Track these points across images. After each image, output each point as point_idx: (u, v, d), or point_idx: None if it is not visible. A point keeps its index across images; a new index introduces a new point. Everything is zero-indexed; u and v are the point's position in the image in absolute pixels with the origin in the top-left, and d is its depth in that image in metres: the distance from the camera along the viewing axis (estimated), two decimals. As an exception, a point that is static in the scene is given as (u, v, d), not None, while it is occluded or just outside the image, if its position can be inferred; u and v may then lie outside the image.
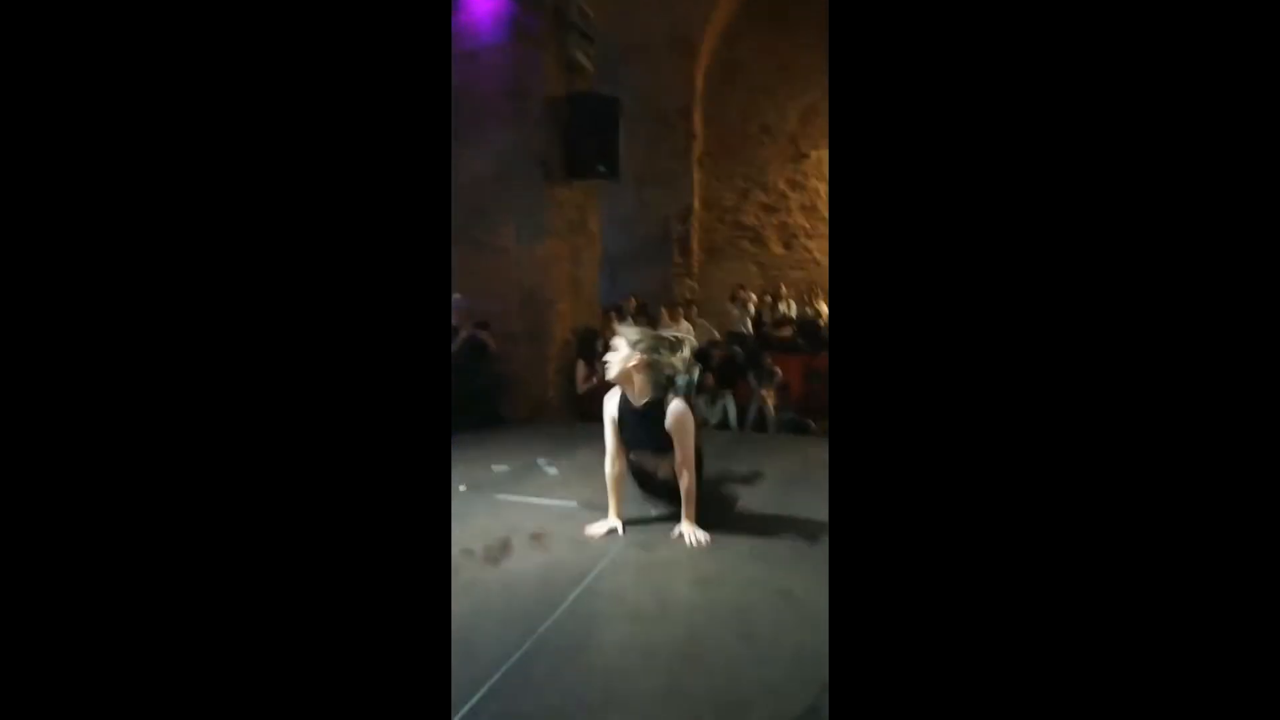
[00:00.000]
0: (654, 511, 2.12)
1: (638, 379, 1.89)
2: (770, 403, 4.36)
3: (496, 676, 1.21)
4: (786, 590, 1.56)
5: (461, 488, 2.42)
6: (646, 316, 4.91)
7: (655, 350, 1.89)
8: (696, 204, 6.94)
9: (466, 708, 1.11)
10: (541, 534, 1.96)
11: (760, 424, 4.31)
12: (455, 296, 3.64)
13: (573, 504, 2.25)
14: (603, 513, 2.05)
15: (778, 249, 7.37)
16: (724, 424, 4.22)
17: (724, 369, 4.53)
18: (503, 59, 3.82)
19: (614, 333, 2.06)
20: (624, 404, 1.95)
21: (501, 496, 2.36)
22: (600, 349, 3.98)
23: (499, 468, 2.74)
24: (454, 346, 3.64)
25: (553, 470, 2.73)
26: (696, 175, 6.96)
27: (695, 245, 7.04)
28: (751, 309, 5.86)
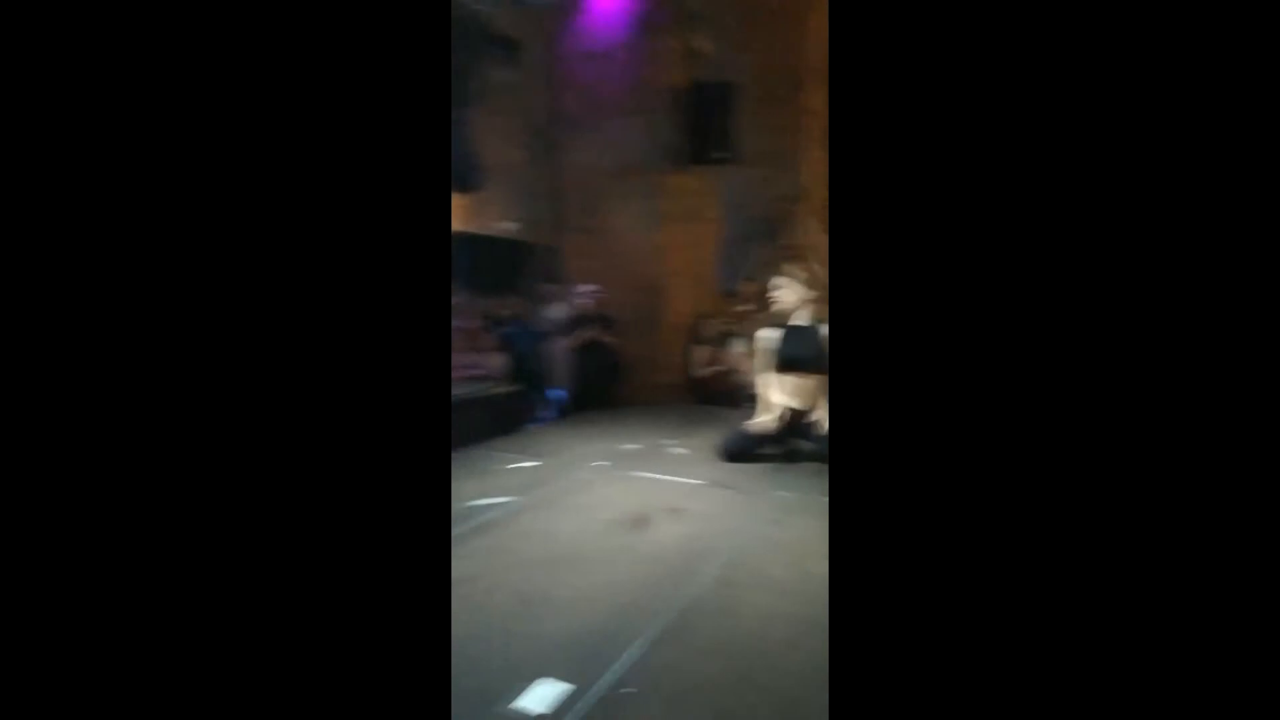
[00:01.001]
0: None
1: (805, 306, 2.73)
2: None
3: (659, 629, 1.34)
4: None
5: (598, 463, 2.62)
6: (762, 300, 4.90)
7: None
8: (813, 183, 6.73)
9: (630, 658, 1.26)
10: (679, 508, 2.09)
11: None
12: (587, 288, 3.86)
13: (701, 481, 2.36)
14: (729, 489, 2.16)
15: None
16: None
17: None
18: (628, 54, 3.94)
19: (768, 287, 2.87)
20: (790, 329, 2.73)
21: (635, 473, 2.52)
22: (718, 334, 4.05)
23: (629, 446, 2.91)
24: (575, 342, 3.86)
25: (679, 450, 2.86)
26: (815, 153, 6.74)
27: (816, 225, 6.84)
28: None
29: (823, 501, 2.12)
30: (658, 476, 2.45)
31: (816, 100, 6.78)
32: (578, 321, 3.93)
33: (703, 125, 4.04)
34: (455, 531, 1.91)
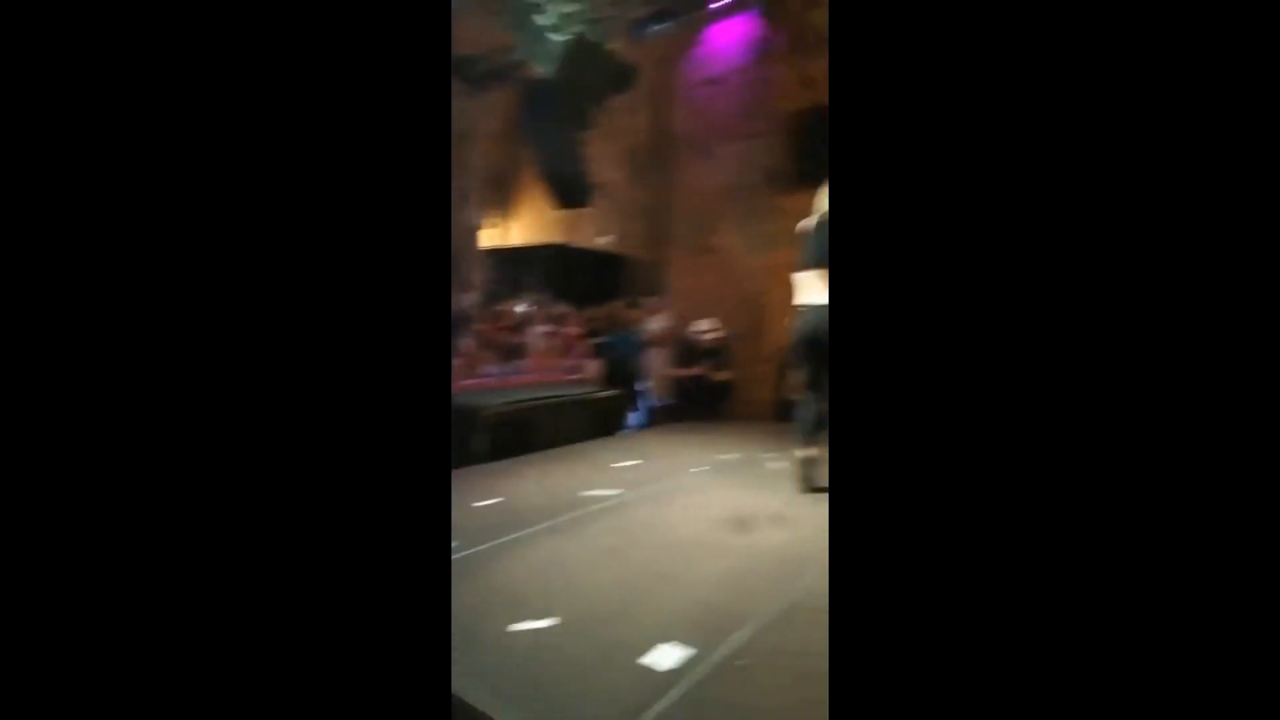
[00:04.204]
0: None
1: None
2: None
3: (771, 615, 1.43)
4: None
5: (696, 470, 2.73)
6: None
7: None
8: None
9: (745, 636, 1.36)
10: (782, 516, 2.17)
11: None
12: (704, 322, 3.99)
13: (794, 492, 2.43)
14: (821, 502, 2.21)
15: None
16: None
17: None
18: (744, 80, 4.10)
19: None
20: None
21: (733, 481, 2.61)
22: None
23: (725, 456, 3.00)
24: (684, 374, 3.99)
25: (777, 463, 2.92)
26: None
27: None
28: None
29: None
30: (756, 487, 2.53)
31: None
32: (690, 355, 4.07)
33: (814, 149, 4.11)
34: (574, 516, 2.09)
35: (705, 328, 4.00)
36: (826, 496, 2.37)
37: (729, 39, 4.10)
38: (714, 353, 4.01)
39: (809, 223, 2.43)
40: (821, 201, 2.45)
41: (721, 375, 4.03)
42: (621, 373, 4.49)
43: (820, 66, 4.29)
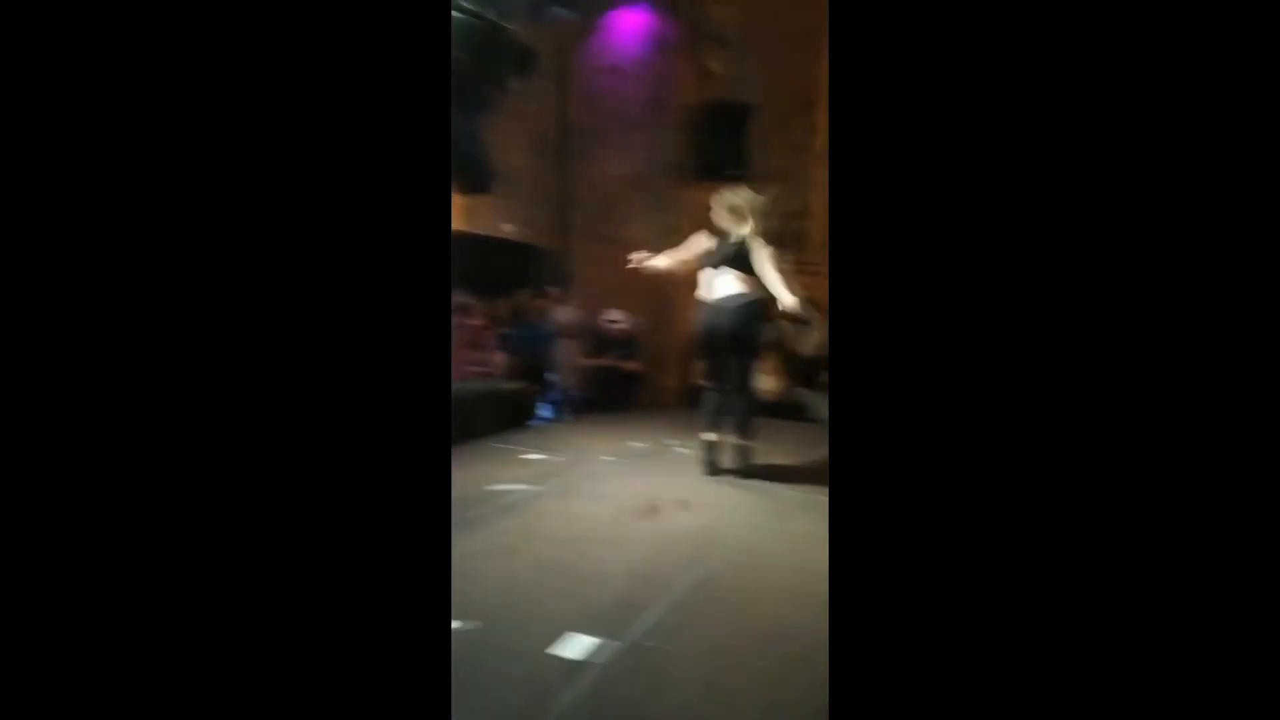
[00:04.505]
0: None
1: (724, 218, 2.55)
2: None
3: (676, 596, 1.48)
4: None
5: (607, 458, 2.76)
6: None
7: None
8: (815, 201, 6.95)
9: (652, 619, 1.40)
10: (688, 501, 2.24)
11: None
12: (615, 313, 4.00)
13: (700, 477, 2.52)
14: (734, 486, 2.34)
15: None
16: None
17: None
18: (645, 70, 4.12)
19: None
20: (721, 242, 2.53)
21: (643, 469, 2.67)
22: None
23: (636, 444, 3.05)
24: (595, 364, 4.00)
25: (684, 450, 3.00)
26: (817, 172, 6.97)
27: (815, 242, 7.06)
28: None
29: (821, 500, 2.27)
30: (664, 474, 2.60)
31: (826, 120, 7.03)
32: (600, 345, 4.06)
33: (715, 142, 4.22)
34: (479, 512, 2.05)
35: (615, 318, 4.02)
36: (730, 480, 2.49)
37: (630, 28, 4.11)
38: (623, 343, 4.05)
39: (704, 237, 2.54)
40: (725, 205, 2.55)
41: (631, 365, 4.07)
42: (529, 364, 4.43)
43: (718, 61, 4.40)
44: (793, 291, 2.40)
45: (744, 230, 2.48)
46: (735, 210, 2.52)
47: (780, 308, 2.43)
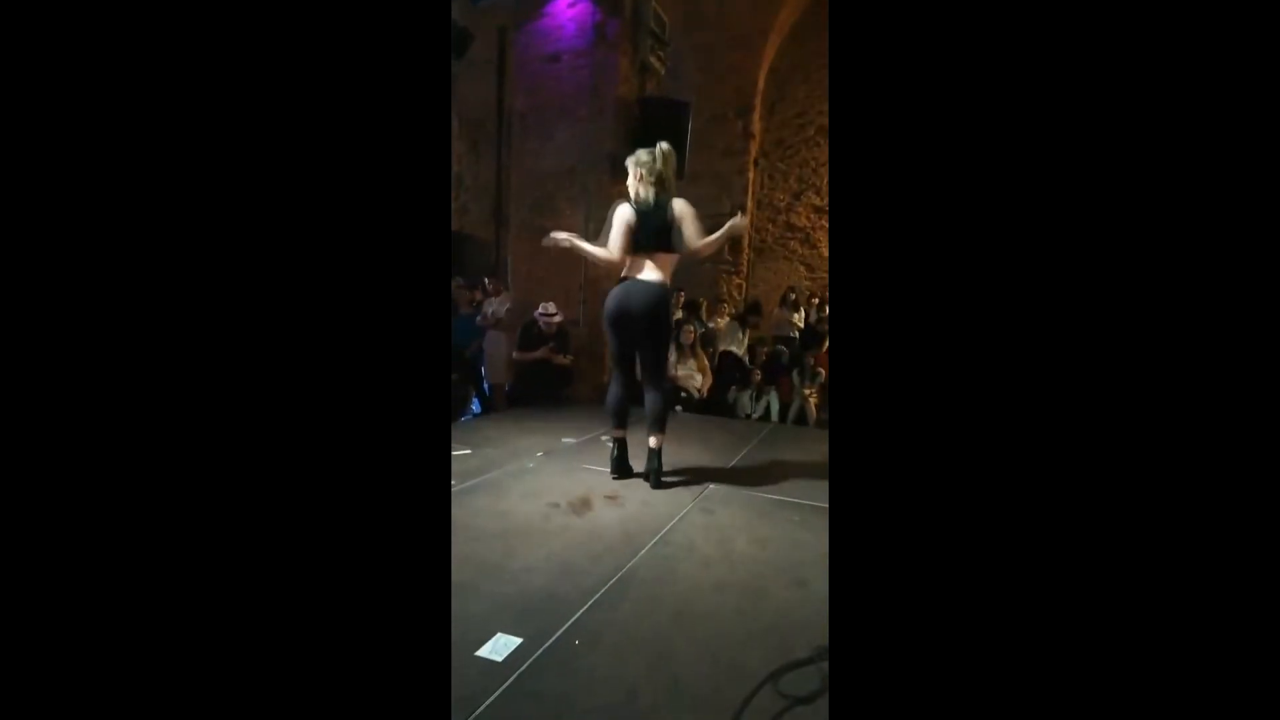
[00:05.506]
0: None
1: (643, 186, 2.32)
2: (812, 400, 4.59)
3: (601, 592, 1.50)
4: (827, 553, 1.81)
5: (539, 454, 2.74)
6: (692, 311, 5.16)
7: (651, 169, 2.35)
8: (750, 203, 7.13)
9: (576, 616, 1.41)
10: (616, 495, 2.26)
11: (801, 419, 4.54)
12: (547, 308, 3.94)
13: (640, 471, 2.54)
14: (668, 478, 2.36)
15: (827, 251, 7.50)
16: (765, 417, 4.46)
17: (769, 366, 4.76)
18: (583, 62, 4.09)
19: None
20: (639, 208, 2.32)
21: (574, 463, 2.66)
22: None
23: (568, 440, 3.04)
24: (528, 359, 3.95)
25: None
26: (751, 175, 7.15)
27: (745, 244, 7.24)
28: (801, 311, 6.06)
29: (747, 494, 2.35)
30: (595, 468, 2.61)
31: (759, 125, 7.23)
32: (534, 339, 4.00)
33: (651, 139, 4.24)
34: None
35: (549, 311, 3.98)
36: (652, 479, 2.50)
37: (567, 17, 4.07)
38: (557, 336, 4.02)
39: (626, 211, 2.32)
40: (639, 166, 2.33)
41: (564, 359, 4.05)
42: (460, 358, 4.32)
43: (657, 58, 4.43)
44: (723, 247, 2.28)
45: (665, 196, 2.30)
46: (646, 168, 2.30)
47: (731, 232, 2.33)
